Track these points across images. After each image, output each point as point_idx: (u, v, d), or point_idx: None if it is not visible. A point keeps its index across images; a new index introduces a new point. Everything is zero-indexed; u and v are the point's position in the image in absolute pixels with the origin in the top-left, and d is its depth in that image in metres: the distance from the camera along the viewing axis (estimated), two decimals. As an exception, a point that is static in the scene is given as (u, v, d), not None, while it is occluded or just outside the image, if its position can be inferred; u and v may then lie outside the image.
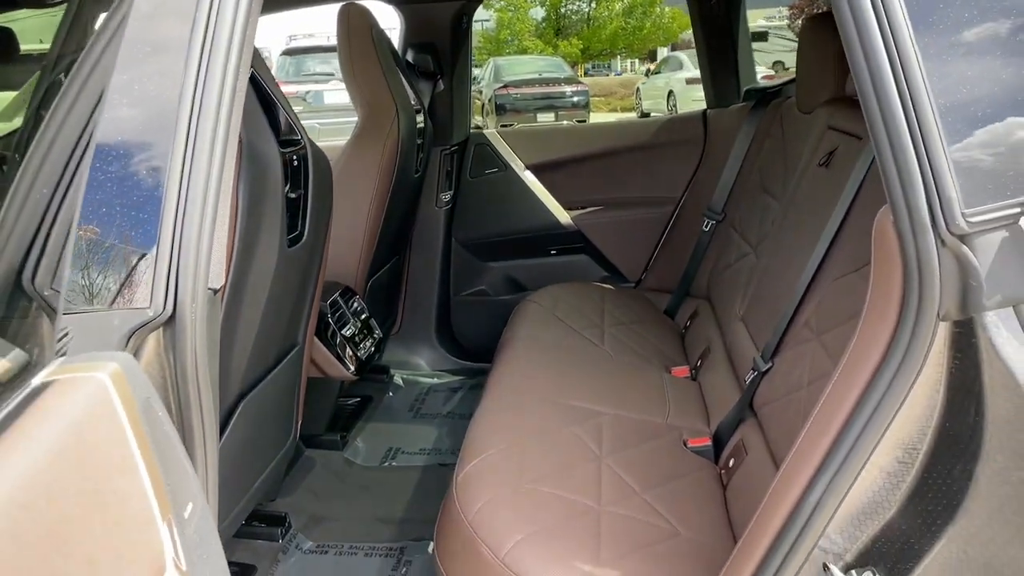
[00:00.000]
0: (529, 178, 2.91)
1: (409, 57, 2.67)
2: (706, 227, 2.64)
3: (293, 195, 1.60)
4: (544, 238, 2.94)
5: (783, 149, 2.32)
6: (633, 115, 17.50)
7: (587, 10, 28.82)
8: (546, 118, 13.82)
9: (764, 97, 2.59)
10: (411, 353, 2.99)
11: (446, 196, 2.86)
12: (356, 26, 2.22)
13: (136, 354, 0.95)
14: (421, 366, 2.98)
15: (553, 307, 2.43)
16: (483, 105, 14.48)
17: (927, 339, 0.87)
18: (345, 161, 2.23)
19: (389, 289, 2.83)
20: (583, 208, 2.95)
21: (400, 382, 2.90)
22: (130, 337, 0.93)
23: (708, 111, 2.86)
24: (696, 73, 11.55)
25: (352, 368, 2.22)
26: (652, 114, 15.97)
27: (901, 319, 0.90)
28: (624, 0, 28.04)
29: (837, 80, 2.02)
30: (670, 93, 14.84)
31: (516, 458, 1.56)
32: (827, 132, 1.94)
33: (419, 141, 2.45)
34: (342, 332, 2.21)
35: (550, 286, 2.63)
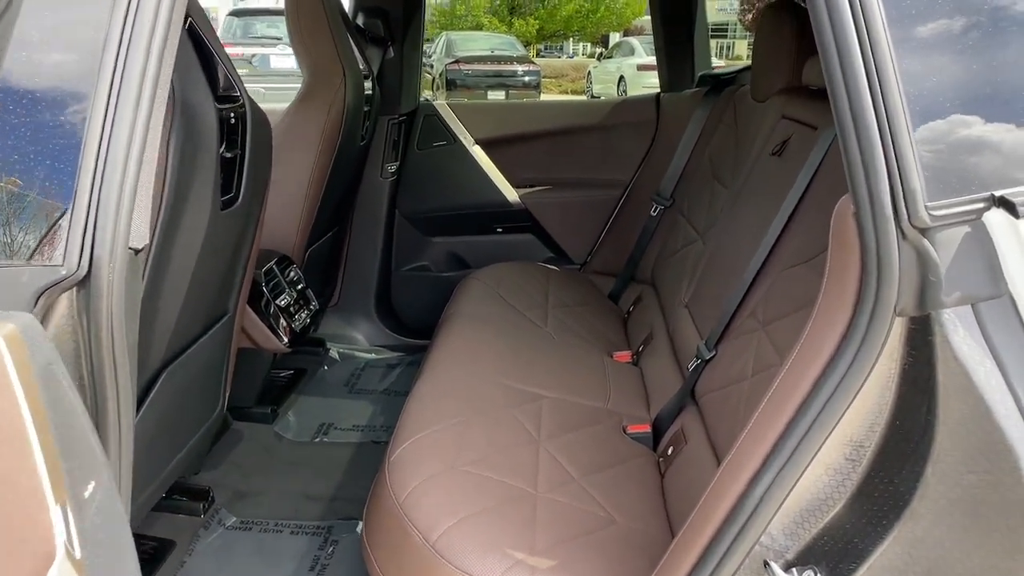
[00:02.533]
0: (478, 153, 2.85)
1: (359, 21, 2.58)
2: (654, 212, 2.62)
3: (229, 155, 1.52)
4: (490, 215, 2.89)
5: (735, 137, 2.30)
6: (584, 98, 17.52)
7: (542, -11, 28.65)
8: (496, 96, 13.69)
9: (718, 84, 2.57)
10: (349, 327, 2.91)
11: (392, 167, 2.78)
12: None
13: (45, 316, 0.87)
14: (359, 340, 2.90)
15: (496, 286, 2.38)
16: (433, 79, 14.31)
17: (882, 334, 0.84)
18: (287, 124, 2.13)
19: (328, 260, 2.74)
20: (531, 187, 2.90)
21: (336, 356, 2.82)
22: (39, 297, 0.85)
23: (662, 95, 2.83)
24: (647, 60, 11.59)
25: (286, 340, 2.13)
26: (602, 98, 16.05)
27: (857, 312, 0.87)
28: (580, -18, 27.94)
29: (794, 69, 2.00)
30: (621, 78, 14.88)
31: (452, 439, 1.51)
32: (781, 121, 1.92)
33: (366, 108, 2.37)
34: (276, 302, 2.13)
35: (494, 264, 2.58)
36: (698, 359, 1.71)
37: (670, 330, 2.09)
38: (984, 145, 0.86)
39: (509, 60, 14.28)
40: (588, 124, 2.87)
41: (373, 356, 2.86)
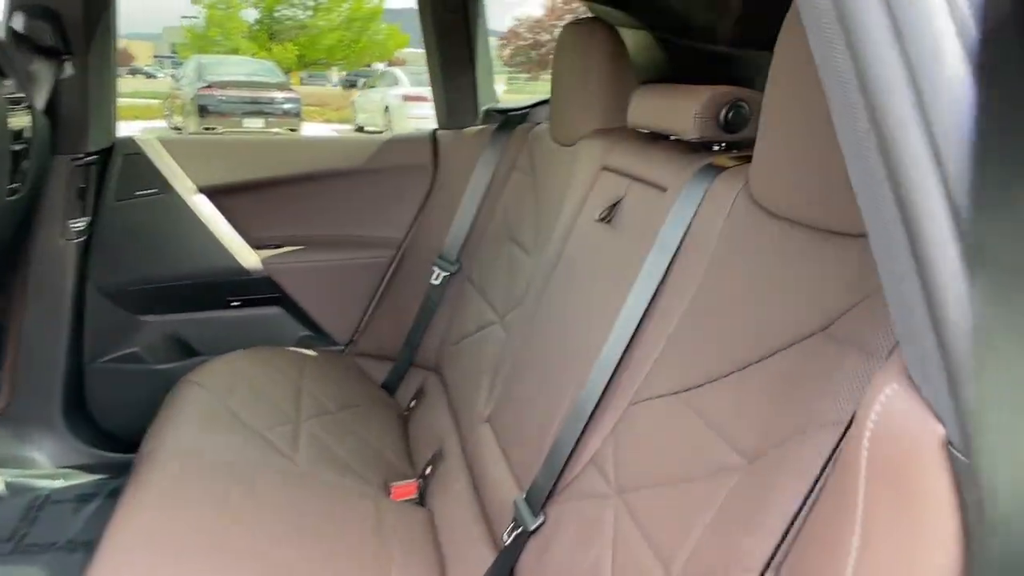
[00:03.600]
0: (201, 204, 2.16)
1: (17, 24, 1.82)
2: (436, 279, 2.08)
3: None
4: (221, 285, 2.19)
5: (533, 188, 1.82)
6: (349, 127, 16.90)
7: (303, 17, 27.89)
8: (254, 124, 12.88)
9: (508, 120, 2.09)
10: (23, 443, 2.09)
11: (78, 224, 2.02)
12: None
13: None
14: (38, 462, 2.10)
15: (226, 394, 1.72)
16: (184, 105, 13.14)
17: None
18: None
19: None
20: (277, 247, 2.25)
21: (2, 488, 2.00)
22: None
23: (439, 132, 2.30)
24: (413, 90, 11.24)
25: None
26: (367, 128, 15.49)
27: None
28: (342, 12, 27.56)
29: (611, 107, 1.55)
30: (386, 108, 14.44)
31: None
32: (602, 174, 1.45)
33: (16, 146, 1.62)
34: None
35: (225, 356, 1.91)
36: (516, 525, 1.17)
37: (468, 453, 1.55)
38: None
39: (267, 87, 13.42)
40: (349, 167, 2.26)
41: (60, 483, 2.07)
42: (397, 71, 16.33)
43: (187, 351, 2.21)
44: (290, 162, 2.25)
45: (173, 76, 16.67)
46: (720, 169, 1.12)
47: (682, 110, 1.24)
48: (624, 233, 1.28)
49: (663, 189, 1.22)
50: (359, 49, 27.89)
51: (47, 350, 2.07)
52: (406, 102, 13.88)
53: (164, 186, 2.11)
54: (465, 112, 2.26)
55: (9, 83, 1.61)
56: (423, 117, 14.09)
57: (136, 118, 15.04)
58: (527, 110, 2.09)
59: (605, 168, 1.45)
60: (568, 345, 1.31)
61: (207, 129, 12.61)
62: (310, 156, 2.27)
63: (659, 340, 1.07)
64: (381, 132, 14.73)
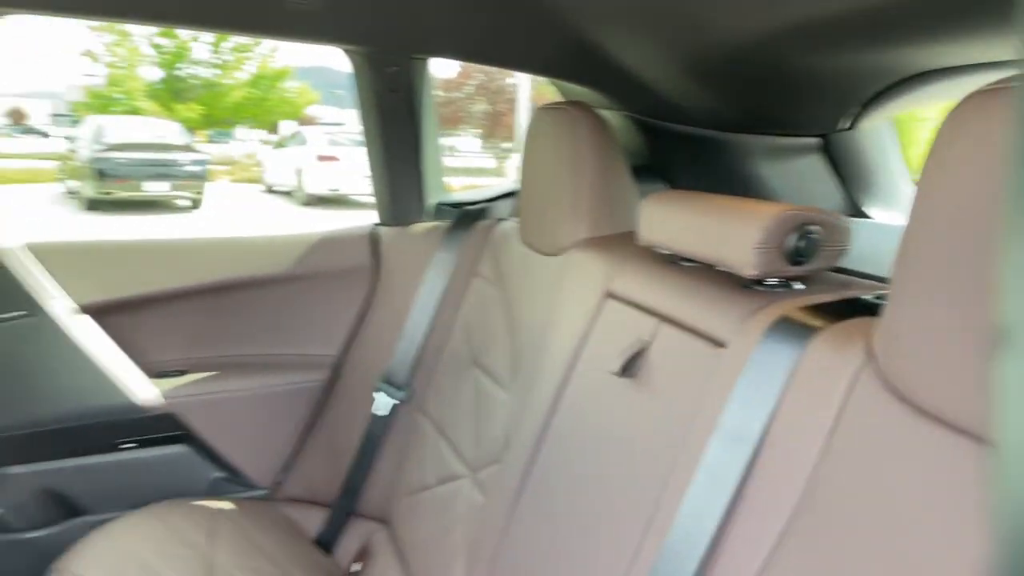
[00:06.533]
0: (81, 327, 1.73)
1: None
2: (380, 408, 1.70)
3: None
4: (109, 426, 1.76)
5: (503, 303, 1.48)
6: (259, 187, 16.35)
7: (208, 75, 27.25)
8: (158, 187, 12.30)
9: (464, 216, 1.75)
10: None
11: (-83, 359, 1.58)
12: None
13: None
14: None
15: None
16: (79, 168, 12.44)
17: None
18: None
19: None
20: (180, 375, 1.83)
21: None
22: None
23: (380, 229, 1.94)
24: (328, 150, 10.86)
25: None
26: (275, 188, 14.98)
27: None
28: (248, 70, 27.10)
29: (603, 210, 1.24)
30: (299, 170, 13.98)
31: None
32: (607, 304, 1.13)
33: None
34: None
35: (106, 528, 1.50)
36: None
37: None
38: None
39: (170, 148, 12.83)
40: (269, 274, 1.87)
41: None
42: (306, 131, 15.92)
43: (66, 509, 1.76)
44: (196, 269, 1.84)
45: (67, 137, 15.82)
46: (807, 329, 0.80)
47: (736, 237, 0.93)
48: (662, 398, 0.95)
49: (718, 344, 0.90)
50: (268, 107, 27.34)
51: None
52: (321, 162, 13.48)
53: (33, 307, 1.68)
54: (410, 206, 1.90)
55: None
56: (335, 177, 13.73)
57: (28, 182, 14.15)
58: (485, 204, 1.75)
59: (612, 296, 1.13)
60: (598, 537, 0.96)
61: (104, 194, 11.94)
62: (222, 261, 1.87)
63: (753, 559, 0.74)
64: (290, 192, 14.28)
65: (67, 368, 1.70)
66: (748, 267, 0.92)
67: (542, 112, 1.40)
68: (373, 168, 1.88)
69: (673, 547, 0.82)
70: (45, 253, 1.73)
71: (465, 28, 1.51)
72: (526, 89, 19.06)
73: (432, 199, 1.92)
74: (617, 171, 1.32)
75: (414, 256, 1.78)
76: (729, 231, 0.95)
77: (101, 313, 1.76)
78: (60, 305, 1.70)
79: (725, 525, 0.78)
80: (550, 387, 1.18)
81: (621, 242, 1.23)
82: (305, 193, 13.63)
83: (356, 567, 1.62)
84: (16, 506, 1.74)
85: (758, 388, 0.80)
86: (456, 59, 1.70)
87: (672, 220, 1.06)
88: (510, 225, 1.60)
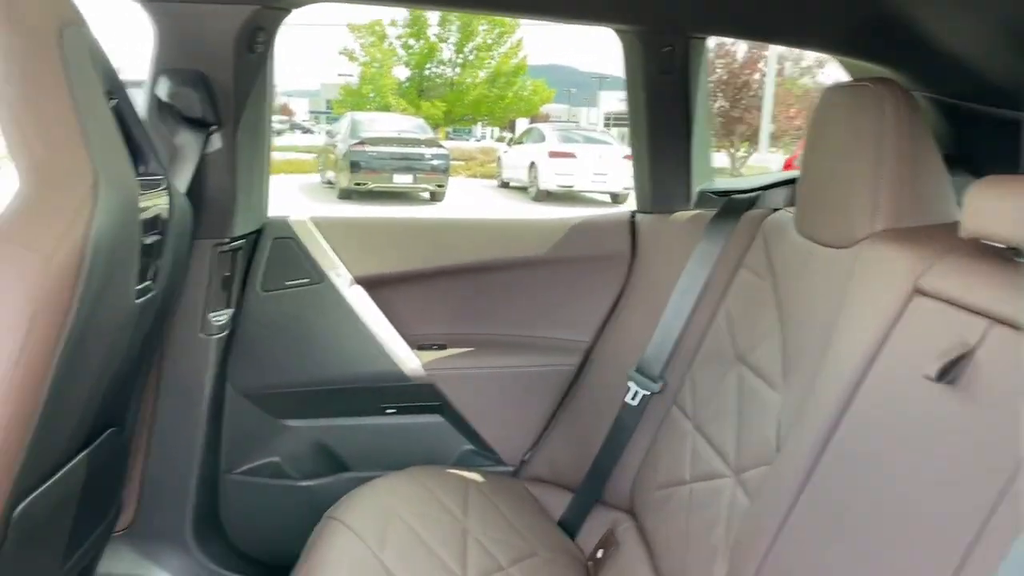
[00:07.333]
0: (356, 297, 1.85)
1: (162, 92, 1.58)
2: (633, 398, 1.67)
3: (149, 240, 1.26)
4: (376, 390, 1.87)
5: (774, 297, 1.40)
6: (493, 182, 16.96)
7: (451, 74, 28.74)
8: (403, 179, 13.07)
9: (732, 204, 1.67)
10: (149, 562, 1.82)
11: (220, 318, 1.76)
12: (26, 9, 1.12)
13: None
14: None
15: (378, 542, 1.38)
16: (337, 160, 13.53)
17: None
18: None
19: (103, 467, 1.67)
20: (440, 349, 1.91)
21: None
22: None
23: (638, 216, 1.91)
24: (560, 147, 11.04)
25: None
26: (512, 184, 15.44)
27: None
28: (488, 68, 28.25)
29: (908, 198, 1.13)
30: (532, 164, 14.34)
31: None
32: (915, 300, 1.02)
33: (149, 239, 1.35)
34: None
35: (374, 484, 1.58)
36: None
37: None
38: None
39: (416, 143, 13.61)
40: (527, 256, 1.90)
41: None
42: (544, 127, 16.29)
43: (333, 463, 1.89)
44: (459, 248, 1.91)
45: (328, 132, 17.29)
46: None
47: None
48: (991, 410, 0.84)
49: None
50: (505, 105, 28.33)
51: (180, 457, 1.80)
52: (552, 158, 13.75)
53: (317, 275, 1.82)
54: (674, 192, 1.85)
55: (154, 166, 1.35)
56: (568, 174, 13.95)
57: (290, 172, 15.59)
58: (758, 192, 1.67)
59: (920, 292, 1.02)
60: (893, 560, 0.87)
61: (358, 184, 12.88)
62: (482, 242, 1.93)
63: None
64: (525, 188, 14.66)
65: (343, 335, 1.83)
66: None
67: (835, 91, 1.29)
68: (636, 153, 1.85)
69: None
70: (328, 228, 1.87)
71: (749, 3, 1.43)
72: (771, 88, 18.25)
73: (697, 186, 1.86)
74: (926, 156, 1.20)
75: (675, 244, 1.73)
76: None
77: (372, 285, 1.88)
78: (339, 276, 1.83)
79: None
80: (837, 391, 1.08)
81: (932, 234, 1.10)
82: (537, 189, 13.97)
83: (599, 553, 1.61)
84: (290, 455, 1.90)
85: None
86: (737, 38, 1.64)
87: (1014, 209, 0.93)
88: (784, 215, 1.50)
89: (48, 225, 1.06)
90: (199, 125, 1.61)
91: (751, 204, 1.64)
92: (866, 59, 1.61)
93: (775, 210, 1.56)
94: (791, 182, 1.63)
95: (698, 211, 1.78)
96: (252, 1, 1.56)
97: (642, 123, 1.81)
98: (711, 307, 1.59)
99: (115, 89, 1.27)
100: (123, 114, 1.29)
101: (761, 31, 1.57)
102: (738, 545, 1.19)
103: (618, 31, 1.69)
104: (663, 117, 1.78)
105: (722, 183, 1.88)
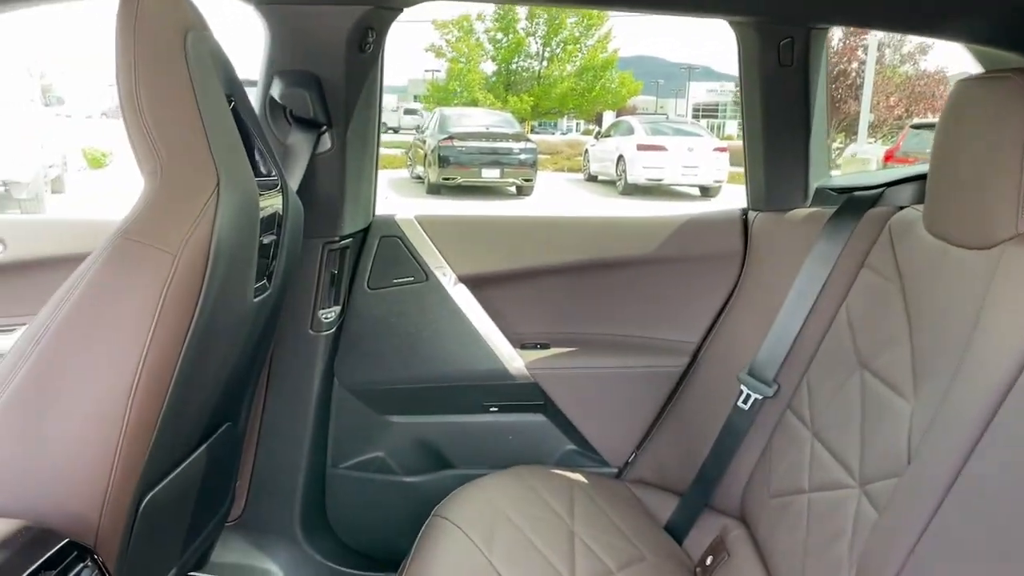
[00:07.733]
0: (461, 295, 1.85)
1: (275, 92, 1.61)
2: (744, 402, 1.62)
3: (266, 240, 1.31)
4: (480, 389, 1.87)
5: (901, 300, 1.32)
6: (580, 176, 16.89)
7: (538, 68, 28.76)
8: (491, 174, 13.15)
9: (853, 202, 1.60)
10: (258, 553, 1.88)
11: (329, 314, 1.79)
12: (152, 15, 1.15)
13: None
14: (271, 574, 1.87)
15: (486, 541, 1.38)
16: (426, 155, 13.69)
17: None
18: (92, 280, 1.13)
19: (218, 461, 1.72)
20: (543, 348, 1.90)
21: None
22: None
23: (751, 212, 1.85)
24: (649, 139, 10.85)
25: None
26: (600, 177, 15.34)
27: None
28: (576, 61, 28.15)
29: None
30: (620, 158, 14.22)
31: None
32: None
33: (266, 238, 1.37)
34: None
35: (480, 483, 1.58)
36: None
37: None
38: None
39: (504, 137, 13.68)
40: (633, 255, 1.87)
41: None
42: (632, 120, 16.14)
43: (436, 460, 1.90)
44: (564, 247, 1.89)
45: (417, 128, 17.53)
46: None
47: None
48: None
49: None
50: (592, 98, 28.18)
51: (288, 451, 1.85)
52: (640, 151, 13.60)
53: (423, 273, 1.83)
54: (790, 189, 1.78)
55: (268, 166, 1.37)
56: (658, 167, 13.76)
57: (382, 168, 15.87)
58: (882, 189, 1.59)
59: None
60: None
61: (446, 179, 13.01)
62: (588, 240, 1.90)
63: None
64: (613, 182, 14.53)
65: (448, 333, 1.83)
66: None
67: (971, 83, 1.21)
68: (750, 149, 1.79)
69: None
70: (433, 226, 1.88)
71: None
72: (870, 76, 17.55)
73: (814, 183, 1.79)
74: None
75: (790, 244, 1.66)
76: None
77: (475, 284, 1.87)
78: (445, 274, 1.84)
79: None
80: (982, 399, 1.02)
81: None
82: (625, 182, 13.84)
83: (708, 560, 1.57)
84: (395, 450, 1.92)
85: None
86: (864, 28, 1.56)
87: None
88: (911, 212, 1.42)
89: (176, 226, 1.09)
90: (310, 125, 1.64)
91: (874, 201, 1.57)
92: (1012, 50, 1.51)
93: (901, 208, 1.48)
94: (918, 178, 1.54)
95: (816, 208, 1.71)
96: (363, 1, 1.57)
97: (757, 117, 1.75)
98: (830, 310, 1.52)
99: (235, 91, 1.30)
100: (242, 116, 1.31)
101: (891, 21, 1.49)
102: (868, 558, 1.13)
103: (731, 23, 1.64)
104: (780, 112, 1.72)
105: (841, 179, 1.80)
